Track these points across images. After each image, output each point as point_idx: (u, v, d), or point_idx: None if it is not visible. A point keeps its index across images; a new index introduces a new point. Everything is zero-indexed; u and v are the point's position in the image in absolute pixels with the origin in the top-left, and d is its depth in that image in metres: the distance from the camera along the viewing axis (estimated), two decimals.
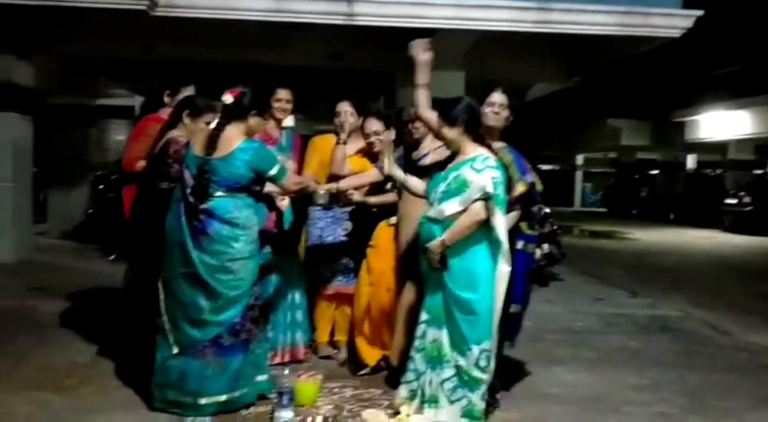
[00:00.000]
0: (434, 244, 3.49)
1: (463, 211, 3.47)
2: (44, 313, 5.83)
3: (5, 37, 8.21)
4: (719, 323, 6.45)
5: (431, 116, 3.90)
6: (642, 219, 22.05)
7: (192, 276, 3.56)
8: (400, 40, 7.33)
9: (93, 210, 10.82)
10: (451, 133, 3.61)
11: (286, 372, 3.73)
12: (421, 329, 3.65)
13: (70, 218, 11.09)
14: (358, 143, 4.72)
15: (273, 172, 3.66)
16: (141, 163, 4.32)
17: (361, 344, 4.44)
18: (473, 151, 3.58)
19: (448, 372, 3.54)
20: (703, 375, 4.75)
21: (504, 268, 3.46)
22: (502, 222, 3.45)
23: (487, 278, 3.48)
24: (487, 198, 3.43)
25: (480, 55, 8.46)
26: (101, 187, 10.99)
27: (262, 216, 4.06)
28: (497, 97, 3.98)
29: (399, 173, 3.95)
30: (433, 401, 3.56)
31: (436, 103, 3.86)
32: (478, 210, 3.44)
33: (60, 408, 3.69)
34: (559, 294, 7.47)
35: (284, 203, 4.44)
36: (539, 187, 4.03)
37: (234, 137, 3.61)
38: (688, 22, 7.54)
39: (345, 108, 4.70)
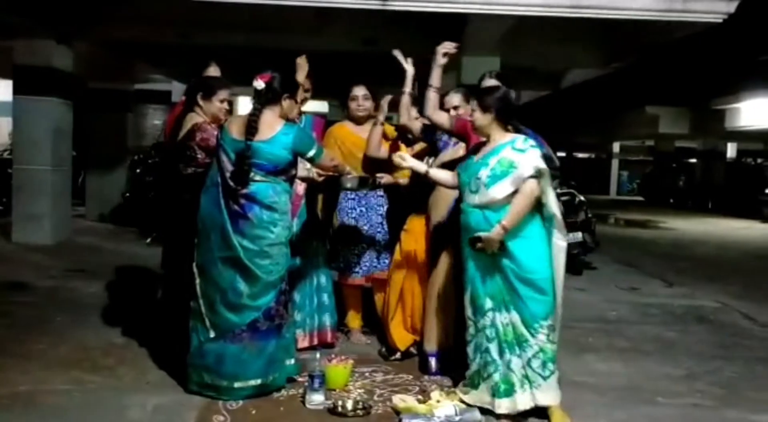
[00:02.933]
0: (496, 231, 3.43)
1: (514, 192, 3.47)
2: (83, 294, 5.96)
3: (45, 23, 8.32)
4: (757, 315, 6.33)
5: (441, 118, 4.08)
6: (679, 209, 21.71)
7: (232, 261, 3.59)
8: (434, 25, 7.29)
9: (130, 193, 10.97)
10: (483, 119, 3.63)
11: (318, 356, 3.76)
12: (488, 318, 3.59)
13: (108, 201, 11.24)
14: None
15: (312, 152, 3.72)
16: None
17: (394, 329, 4.45)
18: (505, 136, 3.62)
19: (530, 351, 3.49)
20: (740, 367, 4.68)
21: (560, 243, 3.53)
22: (553, 198, 3.53)
23: (548, 255, 3.53)
24: (538, 175, 3.46)
25: (515, 41, 8.37)
26: (138, 170, 11.12)
27: None
28: (487, 83, 4.03)
29: (420, 166, 3.97)
30: (531, 382, 3.51)
31: (475, 91, 3.87)
32: (533, 187, 3.47)
33: (97, 387, 3.77)
34: (592, 282, 7.41)
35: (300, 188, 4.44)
36: (556, 161, 4.02)
37: (273, 122, 3.65)
38: (730, 8, 7.35)
39: (361, 92, 4.72)
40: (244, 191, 3.58)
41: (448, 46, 4.07)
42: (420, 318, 4.34)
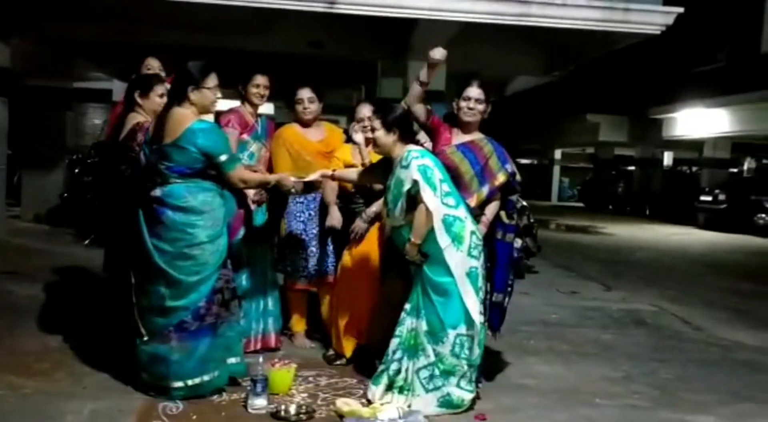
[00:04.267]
0: (408, 248, 3.57)
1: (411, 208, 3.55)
2: (18, 297, 5.76)
3: None
4: (692, 318, 6.52)
5: (419, 110, 3.95)
6: (618, 215, 22.25)
7: (150, 265, 3.53)
8: (380, 29, 7.31)
9: (68, 193, 10.69)
10: (386, 138, 3.69)
11: (261, 359, 3.71)
12: (401, 317, 3.69)
13: (45, 201, 10.94)
14: (322, 130, 4.73)
15: (222, 158, 3.55)
16: None
17: (339, 334, 4.42)
18: (402, 150, 3.66)
19: (424, 360, 3.58)
20: (675, 369, 4.80)
21: (444, 242, 3.50)
22: (428, 196, 3.48)
23: (454, 260, 3.55)
24: (416, 189, 3.49)
25: (461, 47, 8.43)
26: (77, 170, 10.85)
27: (231, 207, 3.88)
28: (473, 92, 3.95)
29: (325, 171, 4.05)
30: (409, 389, 3.60)
31: (378, 105, 3.89)
32: (422, 202, 3.51)
33: (32, 392, 3.65)
34: (534, 286, 7.51)
35: (256, 200, 4.35)
36: (518, 177, 4.07)
37: (184, 119, 3.53)
38: (668, 19, 7.58)
39: (306, 94, 4.67)
40: (155, 194, 3.51)
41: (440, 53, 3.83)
42: (366, 322, 4.32)
